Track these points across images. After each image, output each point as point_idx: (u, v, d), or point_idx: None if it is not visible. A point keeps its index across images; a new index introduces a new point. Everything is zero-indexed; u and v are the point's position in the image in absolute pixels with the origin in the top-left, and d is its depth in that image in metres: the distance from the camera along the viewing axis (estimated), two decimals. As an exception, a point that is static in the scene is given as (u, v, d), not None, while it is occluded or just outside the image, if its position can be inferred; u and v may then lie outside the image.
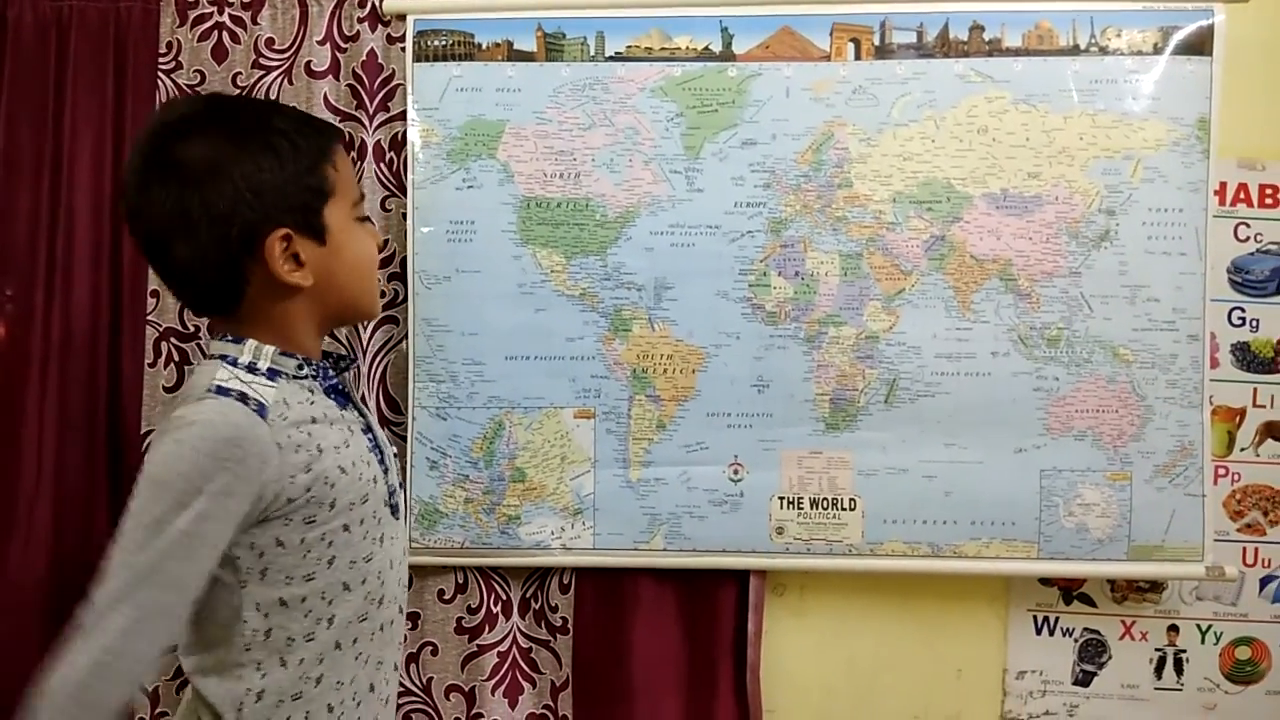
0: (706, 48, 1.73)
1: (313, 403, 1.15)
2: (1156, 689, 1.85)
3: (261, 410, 1.08)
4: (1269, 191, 1.80)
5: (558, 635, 1.84)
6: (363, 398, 1.78)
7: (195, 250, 1.09)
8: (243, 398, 1.07)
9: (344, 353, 1.23)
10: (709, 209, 1.73)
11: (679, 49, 1.73)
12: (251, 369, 1.12)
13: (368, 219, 1.25)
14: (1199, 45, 1.68)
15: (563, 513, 1.75)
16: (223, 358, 1.12)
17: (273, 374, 1.12)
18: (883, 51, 1.71)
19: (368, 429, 1.23)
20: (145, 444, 1.84)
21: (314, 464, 1.10)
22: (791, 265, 1.73)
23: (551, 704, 1.85)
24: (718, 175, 1.73)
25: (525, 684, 1.84)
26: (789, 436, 1.74)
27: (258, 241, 1.10)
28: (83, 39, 1.83)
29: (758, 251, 1.73)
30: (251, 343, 1.13)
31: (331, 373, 1.20)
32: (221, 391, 1.07)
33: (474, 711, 1.83)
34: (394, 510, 1.23)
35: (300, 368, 1.15)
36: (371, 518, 1.17)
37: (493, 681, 1.82)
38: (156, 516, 1.01)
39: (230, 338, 1.14)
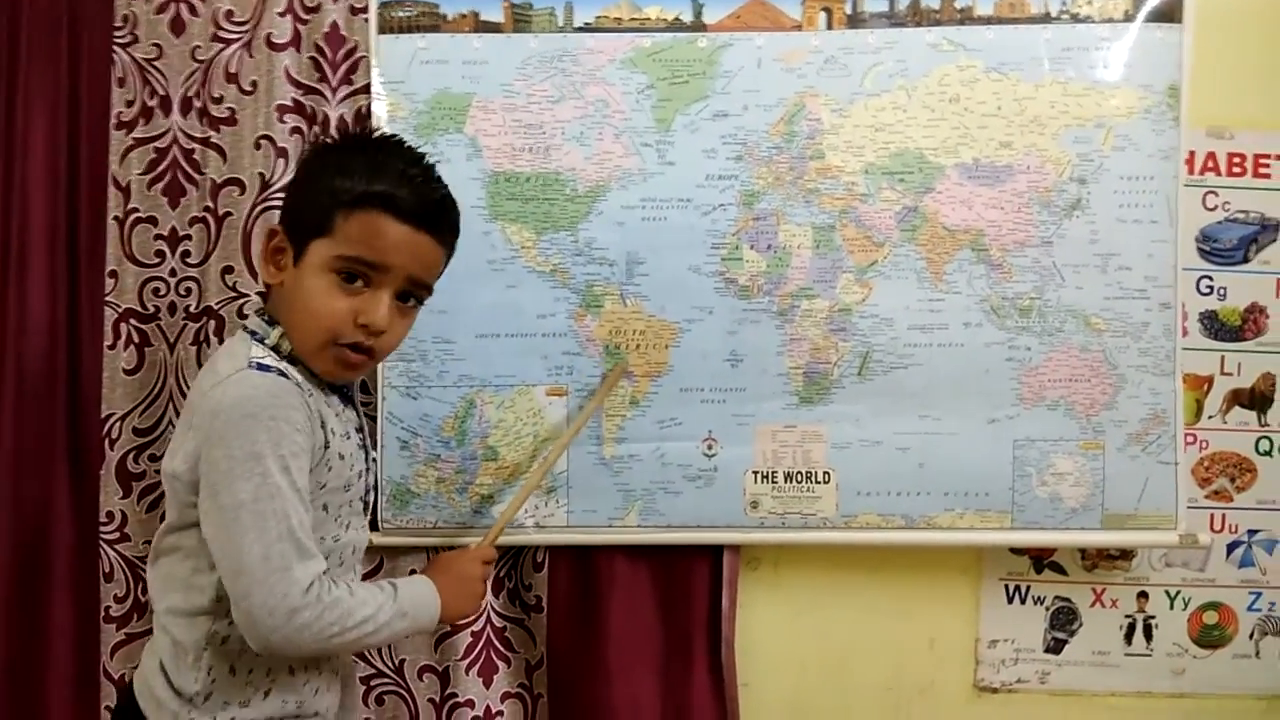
0: (677, 18, 1.71)
1: (324, 392, 1.27)
2: (1126, 655, 1.87)
3: (299, 385, 1.21)
4: (1237, 160, 1.81)
5: (532, 614, 1.82)
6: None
7: None
8: (282, 374, 1.20)
9: None
10: (680, 182, 1.71)
11: (649, 19, 1.71)
12: (276, 350, 1.24)
13: (358, 283, 1.23)
14: (1169, 13, 1.68)
15: (536, 491, 1.73)
16: (252, 333, 1.25)
17: (292, 360, 1.25)
18: (854, 20, 1.70)
19: (360, 429, 1.35)
20: (106, 428, 1.80)
21: (330, 441, 1.24)
22: (764, 238, 1.72)
23: (527, 682, 1.85)
24: (689, 148, 1.71)
25: (500, 663, 1.83)
26: (762, 411, 1.74)
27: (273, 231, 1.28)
28: (35, 13, 1.78)
29: (730, 225, 1.71)
30: (280, 329, 1.25)
31: None
32: (262, 368, 1.20)
33: (448, 691, 1.82)
34: (365, 506, 1.37)
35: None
36: (347, 505, 1.30)
37: (467, 661, 1.81)
38: (275, 488, 1.14)
39: (266, 318, 1.26)
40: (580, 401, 1.73)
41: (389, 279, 1.23)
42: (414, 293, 1.29)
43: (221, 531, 1.14)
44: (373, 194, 1.21)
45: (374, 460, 1.40)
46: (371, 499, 1.39)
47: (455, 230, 1.33)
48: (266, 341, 1.24)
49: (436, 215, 1.27)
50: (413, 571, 1.71)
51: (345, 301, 1.22)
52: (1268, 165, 1.80)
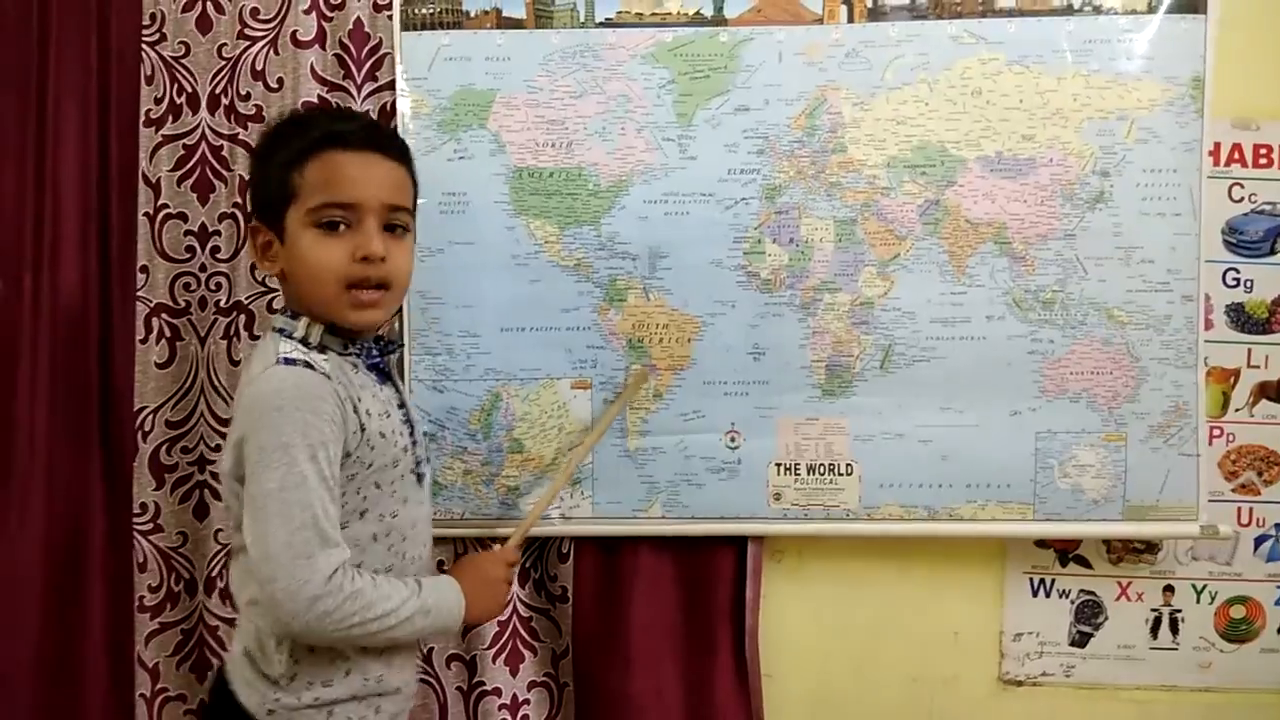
0: (698, 12, 1.71)
1: (357, 374, 1.31)
2: (1152, 649, 1.86)
3: (326, 376, 1.24)
4: (1263, 151, 1.79)
5: (557, 604, 1.84)
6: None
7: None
8: (308, 366, 1.24)
9: (393, 338, 1.41)
10: (702, 176, 1.72)
11: (670, 14, 1.71)
12: (305, 343, 1.27)
13: (338, 225, 1.28)
14: (1192, 3, 1.67)
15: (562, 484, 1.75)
16: (280, 331, 1.29)
17: (323, 349, 1.28)
18: (875, 13, 1.70)
19: (401, 405, 1.38)
20: (138, 421, 1.83)
21: (366, 425, 1.27)
22: (786, 232, 1.72)
23: (553, 672, 1.86)
24: (711, 142, 1.71)
25: (526, 652, 1.85)
26: (785, 403, 1.74)
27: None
28: (65, 12, 1.81)
29: (752, 219, 1.72)
30: (305, 320, 1.29)
31: (375, 352, 1.35)
32: (289, 362, 1.24)
33: (475, 680, 1.84)
34: (419, 478, 1.39)
35: (345, 346, 1.31)
36: (399, 480, 1.33)
37: (494, 650, 1.83)
38: (301, 478, 1.17)
39: (289, 313, 1.31)
40: (606, 394, 1.74)
41: (367, 212, 1.28)
42: (396, 220, 1.32)
43: (250, 519, 1.19)
44: (313, 140, 1.27)
45: (425, 435, 1.44)
46: (426, 471, 1.42)
47: (404, 147, 1.37)
48: (295, 335, 1.28)
49: (376, 133, 1.34)
50: (441, 564, 1.73)
51: (336, 246, 1.27)
52: (1294, 157, 1.79)
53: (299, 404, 1.20)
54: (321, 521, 1.18)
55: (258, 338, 1.79)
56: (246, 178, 1.32)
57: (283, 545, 1.16)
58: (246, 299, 1.80)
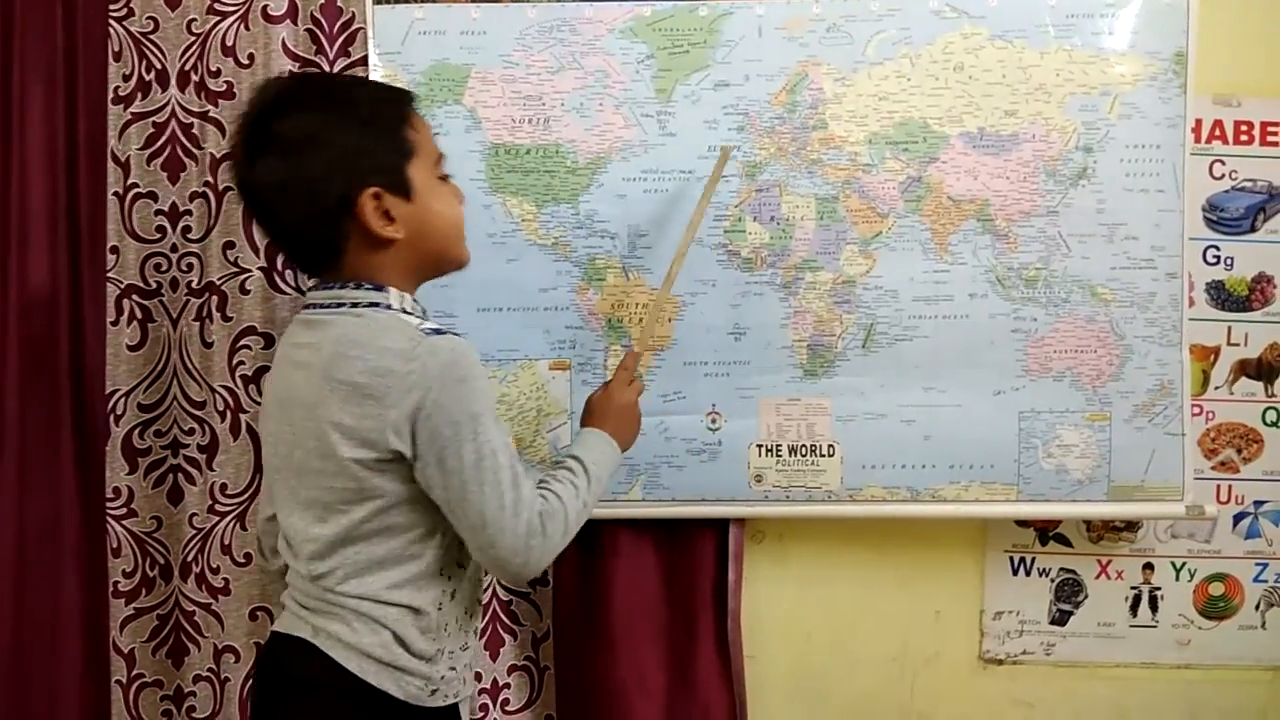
0: (676, -14, 1.69)
1: None
2: (1132, 626, 1.86)
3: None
4: (1244, 128, 1.78)
5: (537, 587, 1.83)
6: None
7: (298, 214, 1.23)
8: (453, 333, 1.24)
9: None
10: (682, 153, 1.69)
11: (648, -13, 1.69)
12: (406, 313, 1.25)
13: (447, 177, 1.32)
14: (1176, -23, 1.66)
15: (540, 466, 1.73)
16: (373, 305, 1.24)
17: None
18: (857, -13, 1.68)
19: None
20: (110, 404, 1.80)
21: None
22: (767, 210, 1.70)
23: (533, 655, 1.85)
24: (690, 118, 1.69)
25: (506, 636, 1.84)
26: (767, 384, 1.73)
27: (352, 200, 1.21)
28: (30, -13, 1.77)
29: (732, 197, 1.70)
30: (394, 290, 1.26)
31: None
32: (437, 333, 1.22)
33: (454, 665, 1.82)
34: None
35: (425, 312, 1.30)
36: None
37: (473, 635, 1.81)
38: (493, 441, 1.21)
39: (369, 285, 1.25)
40: (585, 377, 1.72)
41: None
42: None
43: (457, 492, 1.21)
44: (405, 99, 1.30)
45: None
46: None
47: None
48: (395, 306, 1.25)
49: None
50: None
51: (454, 193, 1.32)
52: (1275, 133, 1.78)
53: (473, 372, 1.22)
54: (518, 478, 1.23)
55: (230, 319, 1.77)
56: (311, 151, 1.21)
57: (496, 511, 1.21)
58: (219, 279, 1.77)
